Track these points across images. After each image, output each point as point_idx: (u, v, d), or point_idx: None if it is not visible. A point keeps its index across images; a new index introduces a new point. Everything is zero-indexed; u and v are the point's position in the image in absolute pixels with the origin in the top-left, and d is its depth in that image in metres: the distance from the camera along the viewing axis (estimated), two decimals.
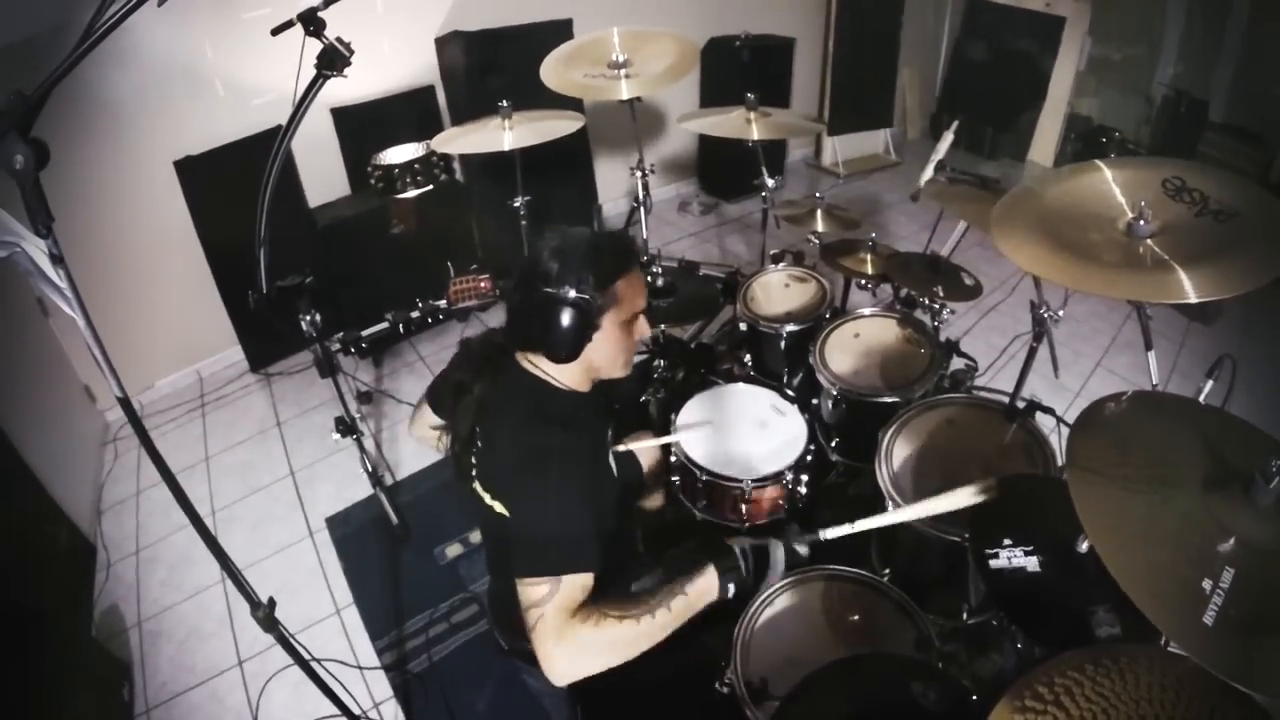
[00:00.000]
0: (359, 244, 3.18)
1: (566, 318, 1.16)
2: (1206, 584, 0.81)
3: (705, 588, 1.18)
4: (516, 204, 2.61)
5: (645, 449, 1.90)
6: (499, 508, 1.21)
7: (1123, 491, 0.93)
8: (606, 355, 1.25)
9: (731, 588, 1.19)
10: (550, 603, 1.07)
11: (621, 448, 1.71)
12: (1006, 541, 1.27)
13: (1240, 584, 0.81)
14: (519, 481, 1.17)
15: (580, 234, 1.24)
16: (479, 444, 1.27)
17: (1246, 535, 0.86)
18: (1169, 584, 0.83)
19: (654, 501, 1.98)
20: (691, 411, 2.01)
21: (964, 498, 1.28)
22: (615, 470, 1.44)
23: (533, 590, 1.08)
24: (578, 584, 1.09)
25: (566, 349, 1.18)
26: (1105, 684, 0.78)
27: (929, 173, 2.24)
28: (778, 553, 1.24)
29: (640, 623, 1.10)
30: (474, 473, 1.28)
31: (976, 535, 1.31)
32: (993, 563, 1.24)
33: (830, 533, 1.30)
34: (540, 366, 1.26)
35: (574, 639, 1.06)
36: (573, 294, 1.15)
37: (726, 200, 4.59)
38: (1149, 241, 1.18)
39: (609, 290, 1.19)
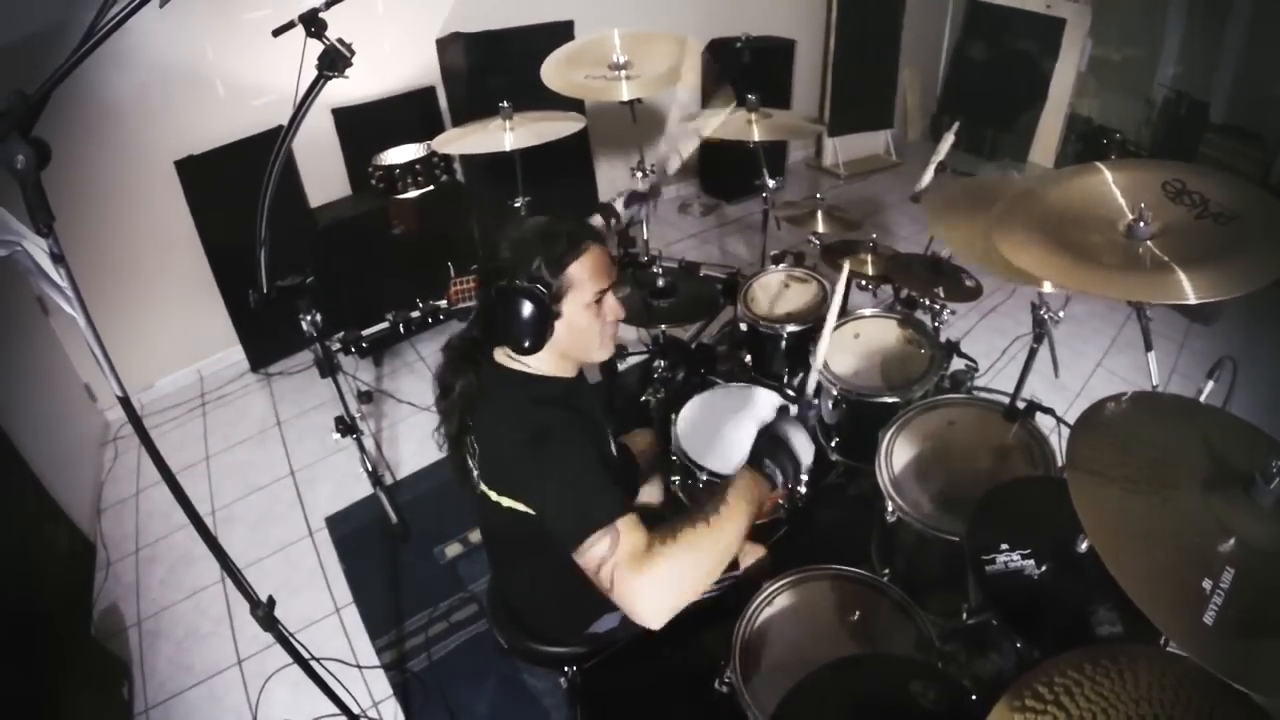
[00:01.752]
0: (360, 244, 3.18)
1: (524, 308, 1.15)
2: (1207, 584, 0.81)
3: (746, 485, 1.11)
4: (517, 204, 2.61)
5: (641, 442, 1.91)
6: (518, 506, 1.20)
7: (1123, 492, 0.93)
8: (577, 340, 1.24)
9: (776, 472, 1.13)
10: (617, 551, 1.02)
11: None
12: (1004, 545, 1.27)
13: (1240, 584, 0.81)
14: (525, 471, 1.15)
15: (532, 222, 1.24)
16: (474, 447, 1.26)
17: (1246, 535, 0.86)
18: (1169, 584, 0.83)
19: (652, 497, 1.97)
20: (691, 411, 2.01)
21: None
22: (613, 449, 1.45)
23: (594, 551, 1.03)
24: (632, 523, 1.05)
25: (528, 339, 1.18)
26: (1105, 684, 0.78)
27: (930, 174, 2.25)
28: (787, 428, 1.15)
29: (698, 529, 1.04)
30: (477, 475, 1.28)
31: (973, 540, 1.31)
32: (989, 568, 1.24)
33: (810, 384, 1.23)
34: (518, 359, 1.25)
35: (653, 571, 1.01)
36: (525, 283, 1.15)
37: (727, 201, 4.59)
38: (1149, 243, 1.18)
39: (564, 274, 1.18)
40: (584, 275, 1.20)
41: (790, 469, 1.14)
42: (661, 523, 1.09)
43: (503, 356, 1.27)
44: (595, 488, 1.09)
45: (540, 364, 1.26)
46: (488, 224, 1.18)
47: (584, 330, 1.23)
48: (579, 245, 1.21)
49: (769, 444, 1.16)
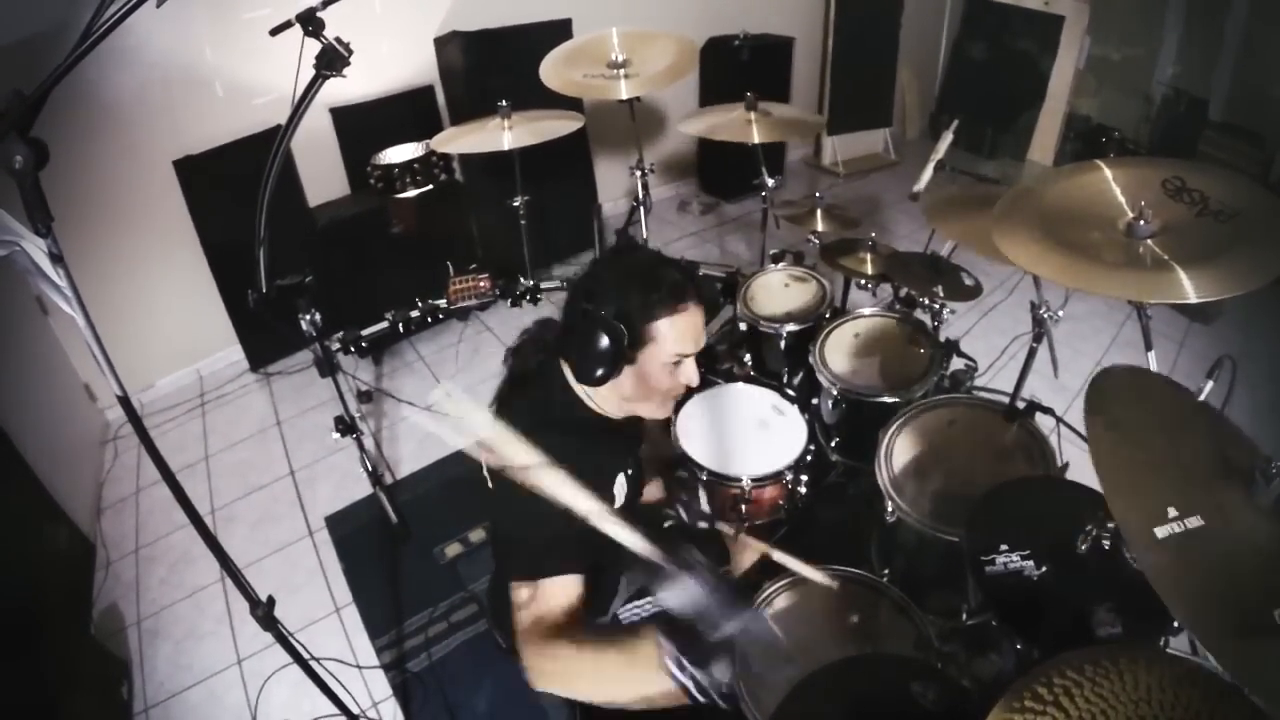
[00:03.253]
0: (359, 244, 3.18)
1: (597, 342, 1.10)
2: (1173, 511, 0.88)
3: (645, 653, 0.95)
4: (516, 204, 2.61)
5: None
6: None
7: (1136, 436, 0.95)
8: (639, 392, 1.18)
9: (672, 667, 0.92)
10: (528, 608, 1.06)
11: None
12: (1003, 546, 1.27)
13: (1205, 537, 0.88)
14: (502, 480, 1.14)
15: (644, 257, 1.19)
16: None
17: (1241, 531, 0.87)
18: (1140, 494, 0.90)
19: (652, 493, 1.95)
20: (691, 411, 2.01)
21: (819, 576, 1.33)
22: (622, 498, 1.33)
23: (516, 593, 1.09)
24: (556, 588, 1.06)
25: (590, 373, 1.13)
26: (1104, 685, 0.78)
27: (929, 172, 2.24)
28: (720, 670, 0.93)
29: (584, 655, 1.01)
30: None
31: (972, 541, 1.31)
32: (989, 569, 1.24)
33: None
34: (572, 379, 1.23)
35: (535, 649, 1.04)
36: (609, 319, 1.10)
37: (726, 200, 4.59)
38: (1149, 241, 1.18)
39: (651, 325, 1.12)
40: (671, 333, 1.13)
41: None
42: (575, 625, 1.07)
43: (565, 367, 1.24)
44: (541, 534, 1.06)
45: (595, 395, 1.22)
46: (611, 249, 1.14)
47: (651, 387, 1.17)
48: (679, 301, 1.13)
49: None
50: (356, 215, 3.22)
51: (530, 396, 1.24)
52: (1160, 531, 0.87)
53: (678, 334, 1.14)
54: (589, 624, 1.10)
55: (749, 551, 1.58)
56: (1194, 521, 0.87)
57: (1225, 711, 0.75)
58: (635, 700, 1.09)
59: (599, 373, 1.13)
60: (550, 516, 1.02)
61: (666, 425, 1.96)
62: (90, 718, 1.88)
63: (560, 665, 1.04)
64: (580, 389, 1.23)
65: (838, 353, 2.12)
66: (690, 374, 1.18)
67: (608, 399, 1.23)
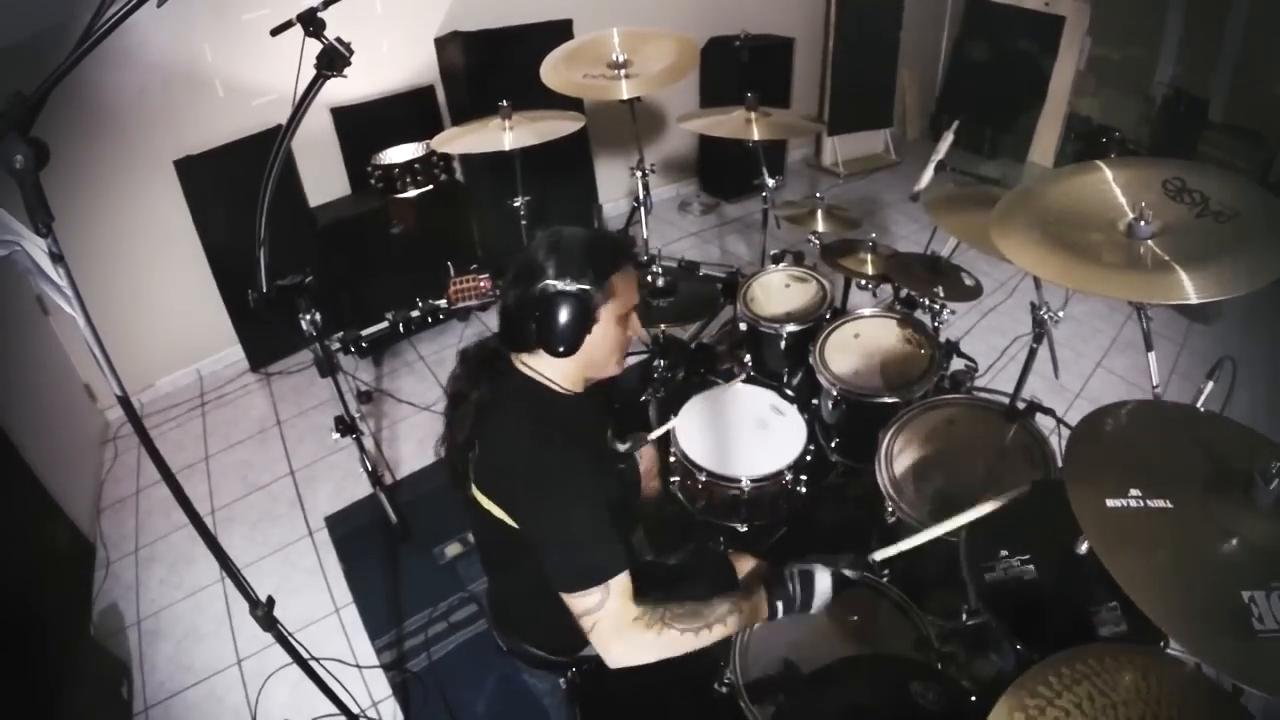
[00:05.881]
0: (359, 244, 3.18)
1: (566, 310, 1.17)
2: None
3: (757, 607, 1.25)
4: (517, 204, 2.61)
5: (646, 449, 1.89)
6: (502, 515, 1.21)
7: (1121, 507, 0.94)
8: (602, 351, 1.26)
9: (780, 607, 1.25)
10: (604, 608, 1.12)
11: (622, 447, 1.70)
12: (1003, 553, 1.26)
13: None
14: (529, 497, 1.17)
15: (575, 231, 1.25)
16: (476, 448, 1.26)
17: (1247, 537, 0.86)
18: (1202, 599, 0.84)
19: (651, 485, 1.95)
20: (691, 411, 2.01)
21: (993, 504, 1.29)
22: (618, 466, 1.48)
23: (583, 600, 1.13)
24: (624, 584, 1.14)
25: (566, 342, 1.19)
26: (1105, 684, 0.78)
27: (929, 173, 2.24)
28: (824, 579, 1.26)
29: (699, 635, 1.18)
30: (470, 476, 1.27)
31: (971, 549, 1.30)
32: (989, 575, 1.24)
33: (880, 554, 1.35)
34: (536, 369, 1.25)
35: (633, 639, 1.14)
36: (573, 286, 1.17)
37: (727, 200, 4.59)
38: (1149, 242, 1.18)
39: (607, 284, 1.20)
40: (623, 288, 1.23)
41: (798, 610, 1.26)
42: (662, 595, 1.20)
43: (521, 364, 1.27)
44: (596, 538, 1.15)
45: (559, 375, 1.26)
46: (537, 240, 1.21)
47: (611, 343, 1.26)
48: (622, 258, 1.25)
49: (802, 585, 1.26)
50: (357, 215, 3.22)
51: (501, 405, 1.25)
52: (1112, 502, 0.90)
53: (628, 286, 1.25)
54: (654, 608, 1.18)
55: (745, 559, 1.60)
56: (1159, 503, 0.90)
57: (1227, 713, 0.75)
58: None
59: (572, 341, 1.20)
60: (592, 521, 1.15)
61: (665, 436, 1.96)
62: (90, 718, 1.88)
63: (649, 652, 1.15)
64: (542, 375, 1.26)
65: (838, 353, 2.12)
66: (636, 325, 1.31)
67: (570, 372, 1.27)
